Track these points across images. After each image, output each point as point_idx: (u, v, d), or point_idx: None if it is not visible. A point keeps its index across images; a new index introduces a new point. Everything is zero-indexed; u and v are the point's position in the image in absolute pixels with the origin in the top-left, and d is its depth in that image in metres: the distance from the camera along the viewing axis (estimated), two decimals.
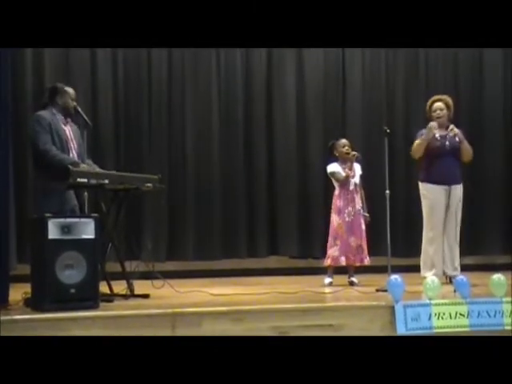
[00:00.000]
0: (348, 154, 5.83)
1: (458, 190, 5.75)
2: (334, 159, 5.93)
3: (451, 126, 5.70)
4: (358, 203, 5.83)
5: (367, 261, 5.79)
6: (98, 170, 4.81)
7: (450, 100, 5.87)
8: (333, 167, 5.89)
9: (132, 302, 4.54)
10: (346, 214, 5.78)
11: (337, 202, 5.84)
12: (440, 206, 5.69)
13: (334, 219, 5.83)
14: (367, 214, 5.88)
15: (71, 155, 4.73)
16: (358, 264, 5.78)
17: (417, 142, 5.76)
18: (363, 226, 5.82)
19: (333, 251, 5.78)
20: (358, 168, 5.93)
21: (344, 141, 5.94)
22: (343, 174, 5.80)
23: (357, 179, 5.88)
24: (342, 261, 5.73)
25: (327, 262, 5.82)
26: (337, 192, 5.88)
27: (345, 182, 5.81)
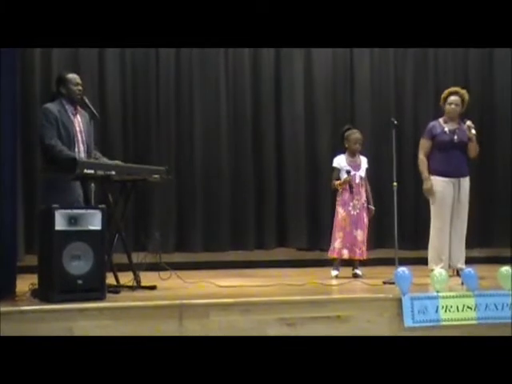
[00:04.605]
0: (358, 146, 5.84)
1: (466, 183, 5.75)
2: (343, 151, 5.91)
3: (468, 123, 5.70)
4: (363, 196, 5.82)
5: (365, 255, 5.80)
6: (105, 161, 4.81)
7: (466, 96, 5.85)
8: (337, 161, 5.85)
9: (139, 293, 4.55)
10: (352, 207, 5.76)
11: (342, 194, 5.82)
12: (448, 198, 5.69)
13: (339, 212, 5.81)
14: (373, 207, 5.87)
15: (78, 148, 4.74)
16: (362, 258, 5.77)
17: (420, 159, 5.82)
18: (366, 220, 5.81)
19: (336, 244, 5.78)
20: (364, 161, 5.91)
21: (357, 136, 5.90)
22: (340, 180, 5.76)
23: (362, 173, 5.86)
24: (345, 253, 5.73)
25: (332, 254, 5.82)
26: None
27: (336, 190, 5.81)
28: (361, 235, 5.74)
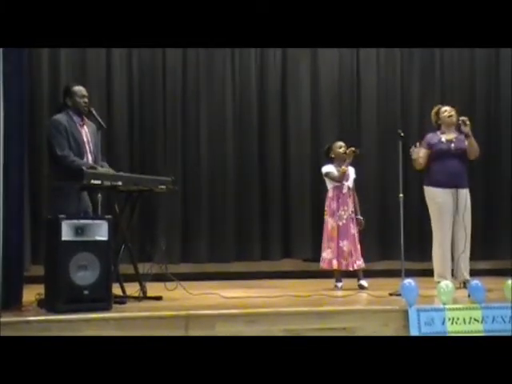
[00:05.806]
0: (345, 153, 5.81)
1: (464, 194, 5.64)
2: (330, 162, 5.93)
3: (463, 118, 5.59)
4: (351, 207, 5.81)
5: (358, 264, 5.72)
6: (111, 171, 4.82)
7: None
8: (327, 168, 5.88)
9: (145, 303, 4.55)
10: (338, 217, 5.76)
11: (330, 204, 5.82)
12: (448, 209, 5.59)
13: (328, 222, 5.81)
14: (361, 218, 5.86)
15: (86, 158, 4.74)
16: (350, 269, 5.73)
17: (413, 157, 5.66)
18: (354, 231, 5.79)
19: (326, 254, 5.77)
20: (351, 172, 5.91)
21: (340, 142, 5.94)
22: (336, 174, 5.78)
23: (350, 183, 5.86)
24: (334, 264, 5.71)
25: (323, 265, 5.81)
26: (330, 194, 5.86)
27: (341, 182, 5.78)
28: (347, 246, 5.71)
